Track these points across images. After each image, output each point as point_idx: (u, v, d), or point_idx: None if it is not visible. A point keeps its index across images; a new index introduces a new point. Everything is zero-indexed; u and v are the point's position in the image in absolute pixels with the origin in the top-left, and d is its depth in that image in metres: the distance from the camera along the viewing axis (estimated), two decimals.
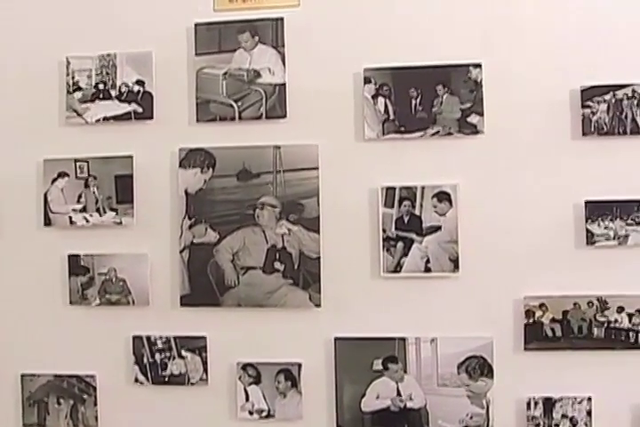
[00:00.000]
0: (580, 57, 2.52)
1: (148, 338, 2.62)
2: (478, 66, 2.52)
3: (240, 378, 2.59)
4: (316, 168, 2.55)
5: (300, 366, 2.56)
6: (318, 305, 2.55)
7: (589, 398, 2.49)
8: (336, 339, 2.54)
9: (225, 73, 2.62)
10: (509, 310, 2.51)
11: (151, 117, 2.63)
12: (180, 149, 2.61)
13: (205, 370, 2.60)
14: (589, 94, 2.50)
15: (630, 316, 2.48)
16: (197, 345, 2.60)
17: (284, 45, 2.60)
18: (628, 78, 2.49)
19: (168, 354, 2.61)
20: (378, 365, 2.54)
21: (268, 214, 2.57)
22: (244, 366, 2.58)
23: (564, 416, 2.49)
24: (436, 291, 2.53)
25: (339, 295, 2.55)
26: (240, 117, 2.60)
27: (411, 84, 2.54)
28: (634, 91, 2.49)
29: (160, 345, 2.61)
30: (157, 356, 2.61)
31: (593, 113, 2.50)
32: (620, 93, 2.49)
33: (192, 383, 2.61)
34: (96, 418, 2.65)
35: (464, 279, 2.51)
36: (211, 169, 2.59)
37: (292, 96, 2.59)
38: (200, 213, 2.59)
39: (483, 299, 2.51)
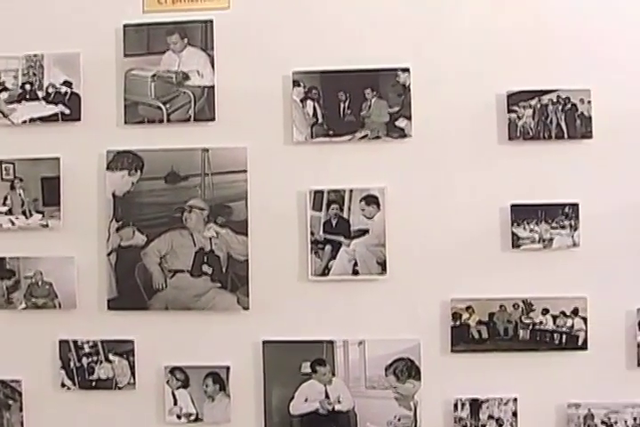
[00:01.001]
0: (506, 62, 2.54)
1: (75, 342, 2.59)
2: (406, 70, 2.53)
3: (168, 382, 2.57)
4: (245, 171, 2.55)
5: (228, 369, 2.55)
6: (246, 308, 2.54)
7: (515, 399, 2.51)
8: (264, 342, 2.54)
9: (153, 75, 2.60)
10: (436, 313, 2.53)
11: (78, 119, 2.61)
12: (107, 151, 2.59)
13: (133, 374, 2.58)
14: (515, 99, 2.52)
15: (555, 318, 2.51)
16: (125, 349, 2.58)
17: (213, 48, 2.59)
18: (554, 84, 2.52)
19: (95, 358, 2.59)
20: (306, 368, 2.53)
21: (195, 217, 2.55)
22: (172, 370, 2.56)
23: (490, 417, 2.51)
24: (364, 294, 2.53)
25: (267, 298, 2.54)
26: (168, 120, 2.59)
27: (339, 87, 2.55)
28: (559, 96, 2.52)
29: (87, 349, 2.59)
30: (84, 360, 2.59)
31: (519, 118, 2.52)
32: (545, 99, 2.52)
33: (120, 388, 2.59)
34: (22, 424, 2.62)
35: (392, 282, 2.52)
36: (138, 171, 2.57)
37: (220, 99, 2.58)
38: (127, 215, 2.57)
39: (410, 301, 2.52)
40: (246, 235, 2.53)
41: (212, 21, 2.59)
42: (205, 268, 2.55)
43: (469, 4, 2.57)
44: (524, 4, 2.57)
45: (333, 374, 2.53)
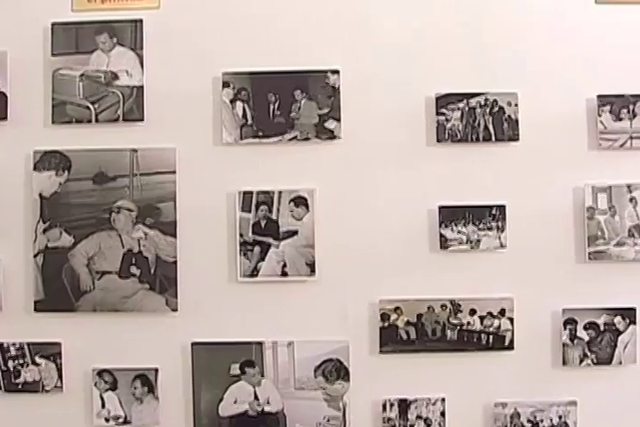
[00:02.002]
0: (435, 65, 2.57)
1: (1, 345, 2.57)
2: (336, 72, 2.54)
3: (96, 384, 2.55)
4: (174, 172, 2.53)
5: (156, 371, 2.53)
6: (175, 310, 2.53)
7: (443, 399, 2.53)
8: (193, 344, 2.53)
9: (82, 74, 2.58)
10: (365, 314, 2.53)
11: (5, 118, 2.57)
12: (34, 151, 2.56)
13: (60, 377, 2.55)
14: (444, 102, 2.54)
15: (482, 318, 2.53)
16: (52, 351, 2.55)
17: (142, 48, 2.57)
18: (482, 87, 2.54)
19: (21, 361, 2.55)
20: (235, 369, 2.53)
21: (124, 218, 2.54)
22: (100, 373, 2.55)
23: (418, 417, 2.53)
24: (293, 295, 2.54)
25: (196, 300, 2.53)
26: (97, 120, 2.57)
27: (269, 88, 2.55)
28: (486, 99, 2.54)
29: (13, 352, 2.55)
30: (10, 363, 2.56)
31: (447, 120, 2.54)
32: (473, 101, 2.54)
33: (46, 391, 2.56)
34: None
35: (320, 283, 2.52)
36: (66, 172, 2.54)
37: (149, 99, 2.56)
38: (55, 216, 2.54)
39: (339, 303, 2.53)
40: (175, 236, 2.52)
41: (141, 21, 2.57)
42: (134, 269, 2.53)
43: (399, 6, 2.57)
44: (453, 7, 2.57)
45: (262, 376, 2.52)
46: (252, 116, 2.54)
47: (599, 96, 2.57)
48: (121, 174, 2.54)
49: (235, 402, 2.54)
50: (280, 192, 2.52)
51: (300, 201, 2.52)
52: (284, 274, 2.52)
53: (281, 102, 2.54)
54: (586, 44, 2.60)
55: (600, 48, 2.60)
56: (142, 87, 2.56)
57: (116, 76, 2.57)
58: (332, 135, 2.53)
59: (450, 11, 2.59)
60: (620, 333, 2.55)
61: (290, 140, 2.54)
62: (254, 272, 2.52)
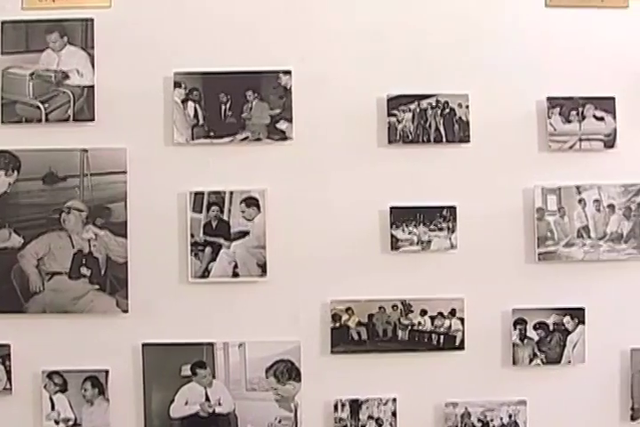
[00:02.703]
0: (386, 66, 2.58)
1: None
2: (288, 73, 2.53)
3: (45, 387, 2.53)
4: (124, 172, 2.52)
5: (107, 373, 2.52)
6: (126, 311, 2.52)
7: (394, 399, 2.54)
8: (144, 345, 2.52)
9: (32, 73, 2.55)
10: (316, 314, 2.54)
11: None
12: None
13: (9, 379, 2.53)
14: (395, 103, 2.55)
15: (433, 318, 2.55)
16: (1, 353, 2.52)
17: (93, 47, 2.55)
18: (433, 88, 2.55)
19: None
20: (186, 370, 2.52)
21: (74, 219, 2.52)
22: (50, 374, 2.52)
23: (370, 417, 2.54)
24: (244, 296, 2.54)
25: (146, 301, 2.52)
26: (47, 119, 2.55)
27: (221, 89, 2.54)
28: (437, 101, 2.56)
29: None
30: None
31: (398, 121, 2.55)
32: (424, 103, 2.55)
33: None
34: None
35: (272, 284, 2.52)
36: (15, 172, 2.52)
37: (100, 99, 2.55)
38: (4, 216, 2.52)
39: (290, 303, 2.53)
40: (125, 237, 2.51)
41: (92, 20, 2.55)
42: (84, 270, 2.51)
43: (351, 8, 2.57)
44: (404, 9, 2.58)
45: (214, 377, 2.52)
46: (204, 117, 2.54)
47: (549, 98, 2.59)
48: (71, 174, 2.53)
49: (186, 403, 2.53)
50: (231, 193, 2.52)
51: (252, 202, 2.52)
52: (236, 275, 2.52)
53: (232, 103, 2.54)
54: (536, 46, 2.62)
55: (550, 50, 2.62)
56: (93, 87, 2.55)
57: (66, 76, 2.55)
58: (283, 136, 2.53)
59: (401, 12, 2.60)
60: (569, 332, 2.57)
61: (241, 140, 2.53)
62: (205, 273, 2.52)
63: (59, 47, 2.57)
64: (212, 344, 2.53)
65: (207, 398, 2.53)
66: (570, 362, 2.59)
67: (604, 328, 2.59)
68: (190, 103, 2.55)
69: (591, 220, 2.59)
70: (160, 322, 2.53)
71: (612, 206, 2.59)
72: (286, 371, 2.53)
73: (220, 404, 2.53)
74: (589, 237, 2.59)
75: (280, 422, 2.54)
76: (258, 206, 2.52)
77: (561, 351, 2.58)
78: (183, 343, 2.53)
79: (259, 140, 2.54)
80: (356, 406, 2.55)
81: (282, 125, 2.54)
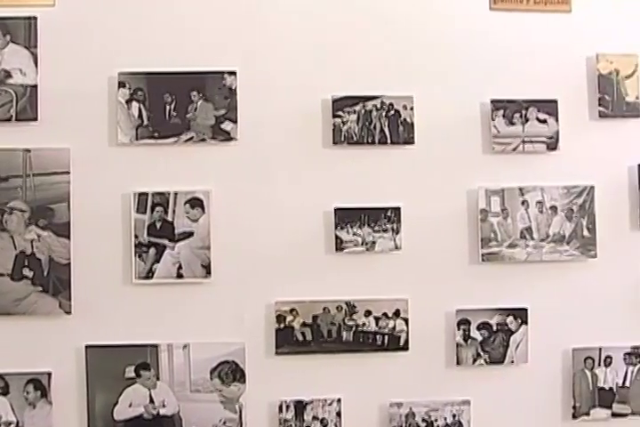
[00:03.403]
0: (332, 67, 2.59)
1: None
2: (233, 73, 2.53)
3: None
4: (67, 172, 2.50)
5: (49, 375, 2.49)
6: (69, 312, 2.50)
7: (339, 400, 2.54)
8: (87, 347, 2.50)
9: None
10: (261, 315, 2.54)
11: None
12: None
13: None
14: (340, 105, 2.56)
15: (377, 319, 2.56)
16: None
17: (36, 46, 2.53)
18: (378, 90, 2.56)
19: None
20: (130, 372, 2.50)
21: (16, 219, 2.49)
22: None
23: (314, 418, 2.54)
24: (189, 297, 2.53)
25: (90, 302, 2.50)
26: None
27: (165, 89, 2.53)
28: (382, 102, 2.57)
29: None
30: None
31: (343, 123, 2.56)
32: (369, 104, 2.56)
33: None
34: None
35: (216, 285, 2.51)
36: None
37: (43, 98, 2.52)
38: None
39: (235, 304, 2.53)
40: (68, 237, 2.49)
41: (35, 18, 2.53)
42: (26, 271, 2.49)
43: (297, 9, 2.57)
44: (350, 10, 2.59)
45: (158, 379, 2.50)
46: (148, 117, 2.52)
47: (493, 101, 2.61)
48: (14, 175, 2.50)
49: (130, 406, 2.51)
50: (176, 193, 2.51)
51: (196, 202, 2.51)
52: (180, 276, 2.51)
53: (177, 103, 2.53)
54: (481, 49, 2.65)
55: (494, 53, 2.65)
56: (36, 86, 2.52)
57: (9, 75, 2.53)
58: (228, 137, 2.53)
59: (347, 14, 2.61)
60: (512, 333, 2.60)
61: (186, 141, 2.52)
62: (149, 274, 2.51)
63: (1, 46, 2.55)
64: (156, 346, 2.52)
65: (151, 400, 2.52)
66: (513, 362, 2.61)
67: (546, 328, 2.62)
68: (134, 103, 2.53)
69: (534, 221, 2.62)
70: (103, 323, 2.52)
71: (554, 208, 2.62)
72: (231, 372, 2.53)
73: (164, 406, 2.52)
74: (532, 238, 2.62)
75: (225, 423, 2.53)
76: (202, 207, 2.51)
77: (504, 351, 2.60)
78: (127, 345, 2.51)
79: (203, 140, 2.53)
80: (300, 406, 2.55)
81: (227, 126, 2.53)
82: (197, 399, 2.52)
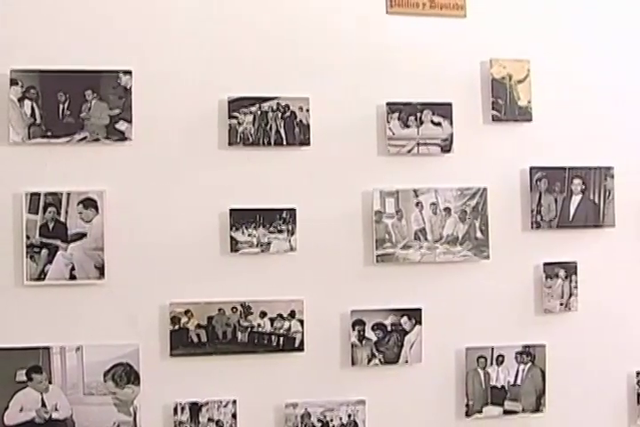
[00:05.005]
0: (228, 68, 2.59)
1: None
2: (128, 73, 2.50)
3: None
4: None
5: None
6: None
7: (234, 401, 2.54)
8: None
9: None
10: (155, 317, 2.52)
11: None
12: None
13: None
14: (236, 105, 2.56)
15: (272, 320, 2.56)
16: None
17: None
18: (274, 91, 2.56)
19: None
20: (21, 375, 2.46)
21: None
22: None
23: (210, 420, 2.53)
24: (82, 299, 2.50)
25: None
26: None
27: (59, 88, 2.50)
28: (278, 104, 2.57)
29: None
30: None
31: (239, 124, 2.56)
32: (265, 106, 2.57)
33: None
34: None
35: (110, 287, 2.49)
36: None
37: None
38: None
39: (129, 306, 2.51)
40: None
41: None
42: None
43: (193, 8, 2.56)
44: (247, 11, 2.59)
45: (50, 382, 2.47)
46: (41, 116, 2.49)
47: (388, 103, 2.64)
48: None
49: (21, 410, 2.47)
50: (69, 194, 2.48)
51: (90, 203, 2.48)
52: (73, 277, 2.48)
53: (71, 102, 2.50)
54: (377, 52, 2.68)
55: (390, 56, 2.68)
56: None
57: None
58: (122, 137, 2.51)
59: (244, 15, 2.61)
60: (406, 333, 2.63)
61: (79, 140, 2.50)
62: (41, 275, 2.47)
63: None
64: (48, 348, 2.49)
65: (43, 404, 2.49)
66: (407, 362, 2.64)
67: (440, 328, 2.65)
68: (27, 102, 2.50)
69: (428, 222, 2.65)
70: None
71: (448, 209, 2.66)
72: (125, 375, 2.51)
73: (56, 409, 2.49)
74: (426, 239, 2.66)
75: (119, 426, 2.50)
76: (96, 208, 2.49)
77: (399, 351, 2.63)
78: (18, 348, 2.48)
79: (97, 140, 2.51)
80: (195, 408, 2.54)
81: (121, 126, 2.51)
82: (91, 402, 2.49)
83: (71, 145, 2.50)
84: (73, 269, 2.48)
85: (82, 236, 2.49)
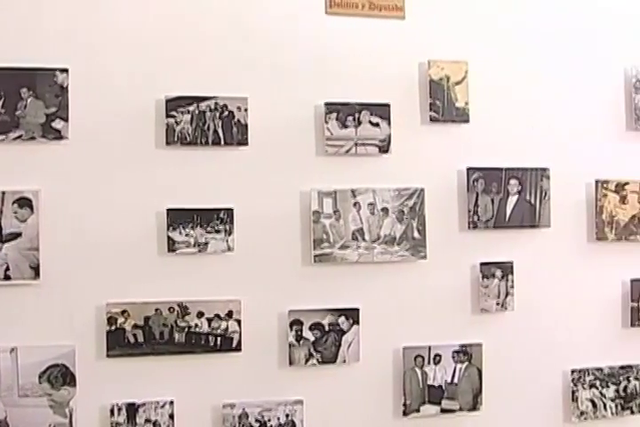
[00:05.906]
0: (166, 67, 2.57)
1: None
2: (65, 71, 2.48)
3: None
4: None
5: None
6: None
7: (172, 402, 2.53)
8: None
9: None
10: (92, 318, 2.51)
11: None
12: None
13: None
14: (174, 105, 2.55)
15: (210, 320, 2.55)
16: None
17: None
18: (212, 91, 2.56)
19: None
20: None
21: None
22: None
23: (147, 421, 2.52)
24: (17, 299, 2.47)
25: None
26: None
27: None
28: (216, 103, 2.57)
29: None
30: None
31: (177, 123, 2.55)
32: (203, 105, 2.56)
33: None
34: None
35: (45, 287, 2.47)
36: None
37: None
38: None
39: (64, 306, 2.49)
40: None
41: None
42: None
43: (131, 7, 2.55)
44: (188, 9, 2.60)
45: None
46: None
47: (326, 104, 2.65)
48: None
49: None
50: (3, 193, 2.46)
51: (25, 202, 2.46)
52: (7, 278, 2.46)
53: (6, 100, 2.48)
54: (315, 52, 2.69)
55: (329, 57, 2.70)
56: None
57: None
58: (58, 135, 2.49)
59: (183, 14, 2.60)
60: (344, 332, 2.64)
61: (14, 139, 2.47)
62: None
63: None
64: None
65: None
66: (345, 361, 2.65)
67: (377, 328, 2.67)
68: None
69: (366, 223, 2.67)
70: None
71: (385, 210, 2.68)
72: (60, 376, 2.49)
73: None
74: (364, 239, 2.67)
75: None
76: (31, 207, 2.47)
77: (336, 351, 2.64)
78: None
79: (33, 139, 2.49)
80: (132, 409, 2.53)
81: (57, 124, 2.49)
82: (26, 404, 2.47)
83: (6, 143, 2.47)
84: (7, 269, 2.45)
85: (16, 235, 2.46)
